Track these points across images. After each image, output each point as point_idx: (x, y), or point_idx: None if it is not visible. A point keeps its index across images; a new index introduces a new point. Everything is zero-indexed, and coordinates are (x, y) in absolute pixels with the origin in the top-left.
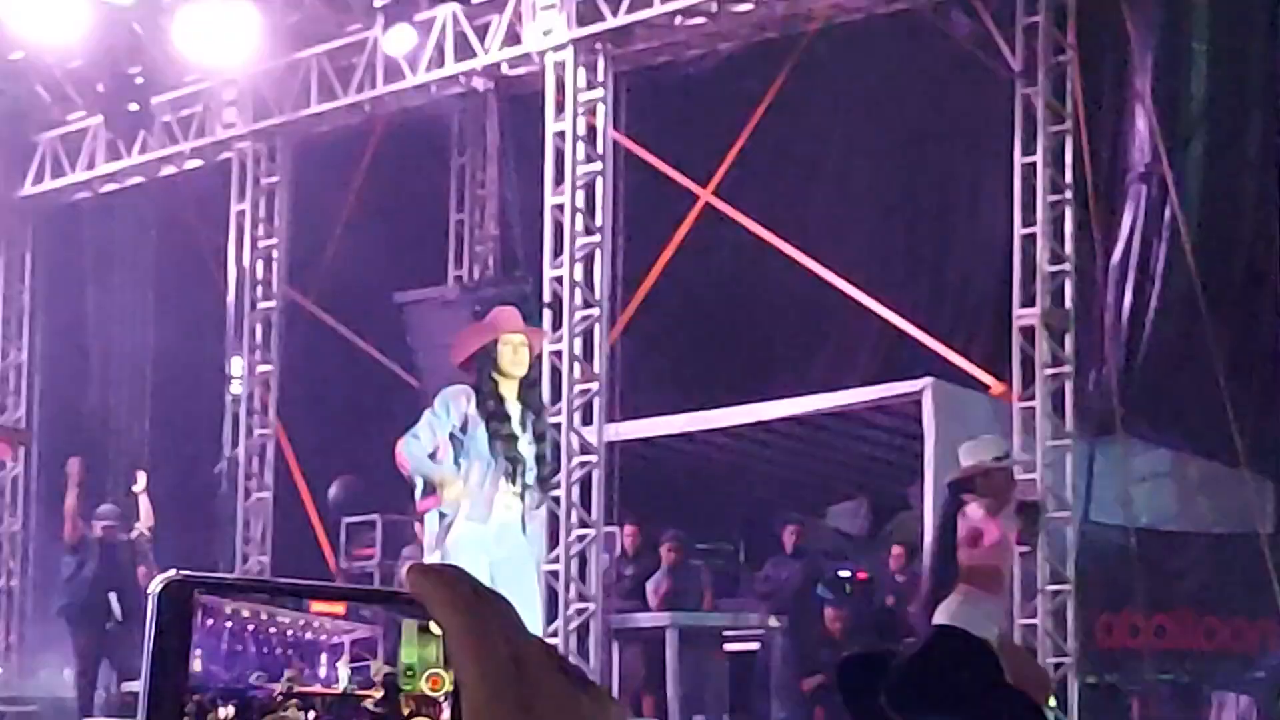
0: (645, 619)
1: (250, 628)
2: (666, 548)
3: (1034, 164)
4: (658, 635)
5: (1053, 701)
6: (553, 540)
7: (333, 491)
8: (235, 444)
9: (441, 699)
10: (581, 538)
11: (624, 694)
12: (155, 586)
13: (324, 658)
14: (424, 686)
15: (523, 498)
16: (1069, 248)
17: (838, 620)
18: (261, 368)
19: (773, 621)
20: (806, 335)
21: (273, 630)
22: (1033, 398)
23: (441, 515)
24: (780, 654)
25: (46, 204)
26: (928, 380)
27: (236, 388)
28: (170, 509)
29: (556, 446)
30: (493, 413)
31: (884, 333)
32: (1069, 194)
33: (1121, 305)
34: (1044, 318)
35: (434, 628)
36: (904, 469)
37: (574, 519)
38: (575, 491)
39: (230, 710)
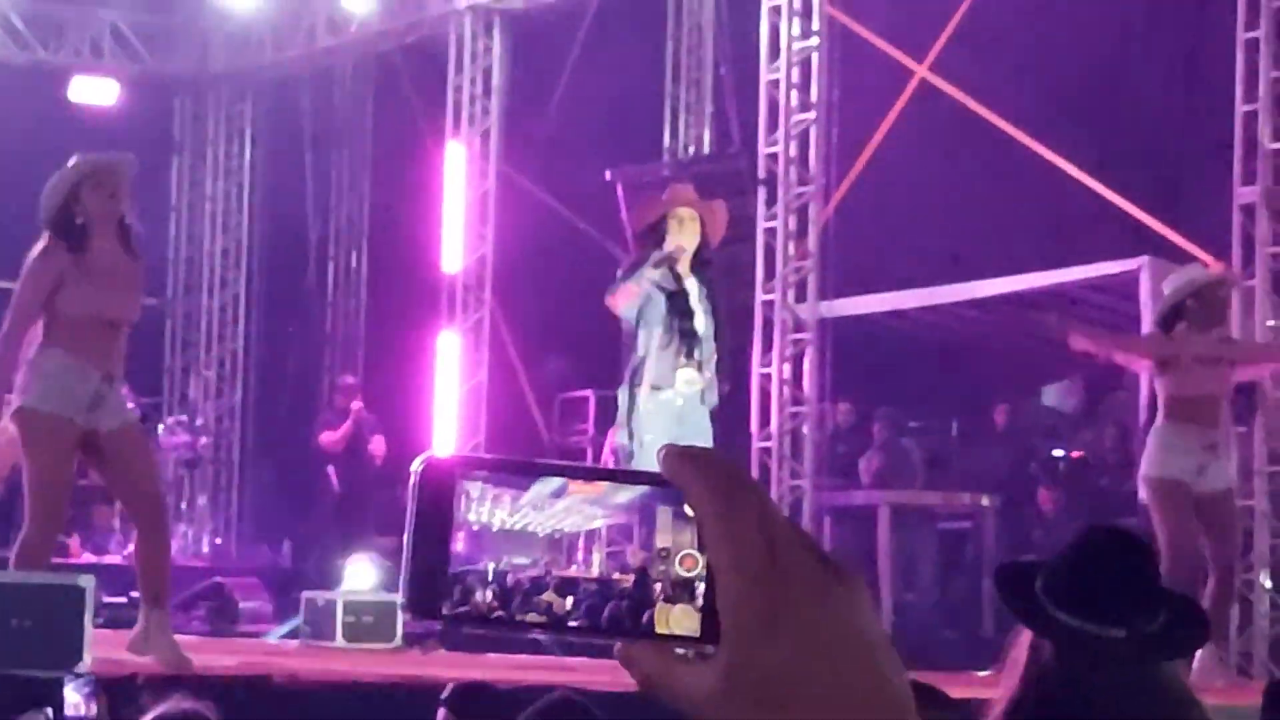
0: (857, 497)
1: (512, 512)
2: (879, 426)
3: (1257, 39)
4: (869, 513)
5: (1267, 582)
6: (765, 417)
7: (547, 367)
8: (452, 321)
9: (695, 580)
10: (794, 415)
11: None
12: (417, 465)
13: (581, 543)
14: (678, 568)
15: (700, 371)
16: None
17: (1050, 500)
18: (477, 244)
19: (985, 501)
20: (1022, 212)
21: (534, 515)
22: (1253, 277)
23: (632, 390)
24: (992, 534)
25: (266, 78)
26: (1145, 258)
27: (451, 265)
28: (385, 384)
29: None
30: (665, 285)
31: (1101, 210)
32: None
33: None
34: (1265, 195)
35: (689, 511)
36: None
37: (787, 396)
38: (788, 369)
39: (490, 594)
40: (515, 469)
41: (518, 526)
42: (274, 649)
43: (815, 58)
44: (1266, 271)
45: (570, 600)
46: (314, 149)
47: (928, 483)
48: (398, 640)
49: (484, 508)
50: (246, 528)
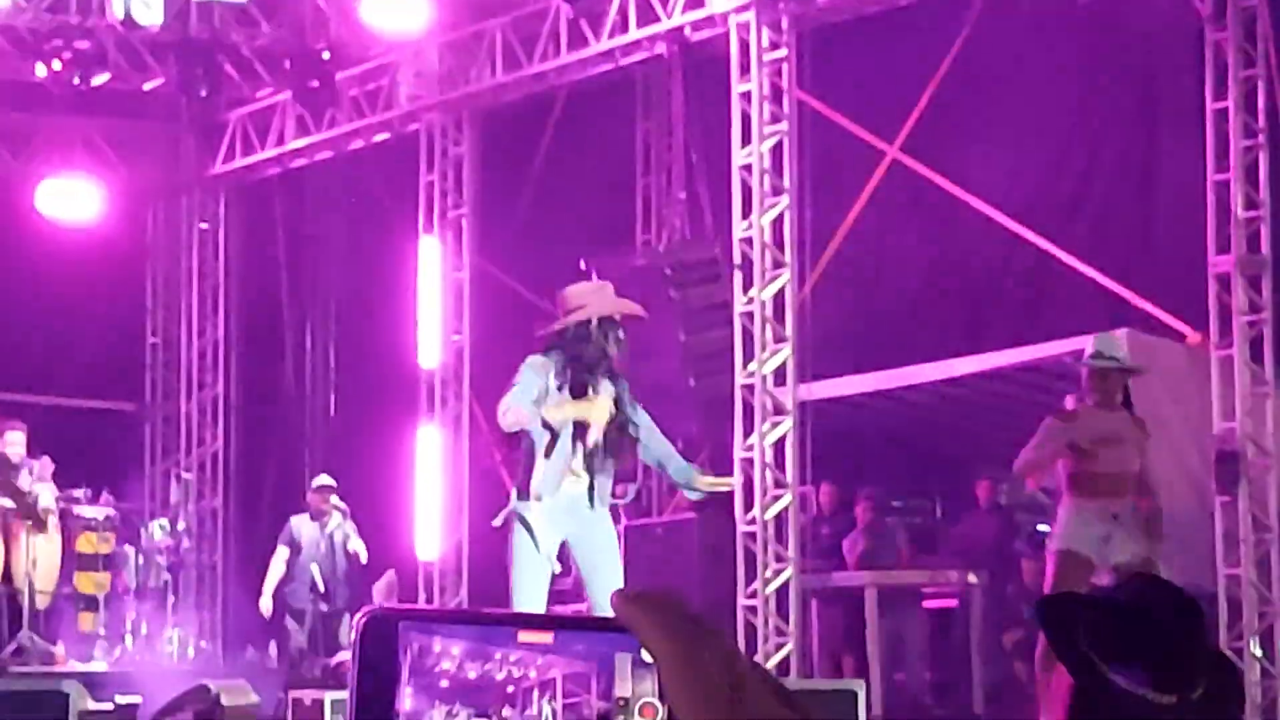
0: (842, 578)
1: (460, 663)
2: (862, 507)
3: (1225, 109)
4: (855, 594)
5: (1257, 649)
6: (748, 501)
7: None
8: (431, 416)
9: None
10: (776, 498)
11: (823, 653)
12: (358, 619)
13: (536, 694)
14: (637, 718)
15: (591, 475)
16: (1263, 193)
17: (1036, 575)
18: (453, 338)
19: (971, 578)
20: (997, 289)
21: (484, 666)
22: (1230, 346)
23: (519, 498)
24: (979, 610)
25: (237, 181)
26: (1123, 331)
27: (428, 360)
28: (363, 485)
29: (633, 442)
30: (574, 385)
31: (1077, 284)
32: (1262, 138)
33: None
34: (1240, 265)
35: (647, 657)
36: None
37: (769, 480)
38: (769, 453)
39: None
40: (461, 619)
41: (468, 678)
42: None
43: (786, 142)
44: (1243, 339)
45: None
46: (287, 249)
47: (913, 562)
48: None
49: (430, 660)
50: (232, 630)
